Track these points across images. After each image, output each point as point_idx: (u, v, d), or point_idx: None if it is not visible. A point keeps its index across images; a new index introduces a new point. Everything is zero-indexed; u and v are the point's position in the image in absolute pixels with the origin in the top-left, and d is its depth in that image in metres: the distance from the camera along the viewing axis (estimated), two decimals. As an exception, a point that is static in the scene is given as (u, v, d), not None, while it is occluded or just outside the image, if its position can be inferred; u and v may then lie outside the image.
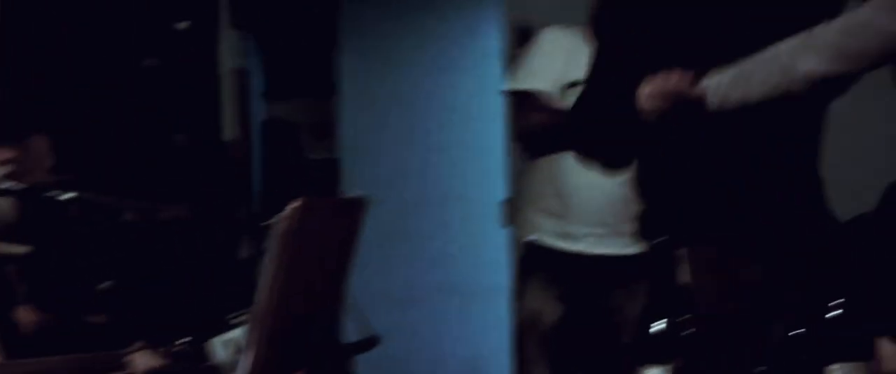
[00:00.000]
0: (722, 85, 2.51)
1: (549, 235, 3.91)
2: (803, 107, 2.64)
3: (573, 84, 3.84)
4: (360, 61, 6.57)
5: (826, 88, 2.52)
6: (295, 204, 2.69)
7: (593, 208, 3.84)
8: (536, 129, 3.88)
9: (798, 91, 2.45)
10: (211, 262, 5.17)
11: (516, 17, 4.70)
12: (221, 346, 2.76)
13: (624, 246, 3.87)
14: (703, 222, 2.76)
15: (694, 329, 2.81)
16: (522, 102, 3.89)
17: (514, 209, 4.60)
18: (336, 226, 3.09)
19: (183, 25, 5.23)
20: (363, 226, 3.13)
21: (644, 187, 2.89)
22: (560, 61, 3.83)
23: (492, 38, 5.87)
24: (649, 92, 2.58)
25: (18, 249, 3.71)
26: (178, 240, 5.10)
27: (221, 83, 5.39)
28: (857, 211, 2.84)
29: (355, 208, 3.21)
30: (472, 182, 6.57)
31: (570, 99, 3.82)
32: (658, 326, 3.05)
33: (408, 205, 6.55)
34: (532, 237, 3.96)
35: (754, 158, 2.73)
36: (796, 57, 2.39)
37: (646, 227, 2.91)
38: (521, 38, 4.65)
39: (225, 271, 5.23)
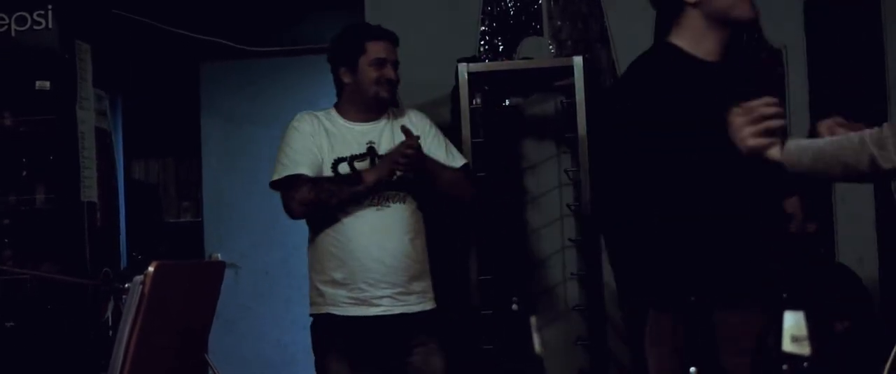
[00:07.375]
0: (801, 153, 2.55)
1: (343, 304, 3.90)
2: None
3: (340, 159, 3.90)
4: (222, 122, 6.52)
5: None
6: (149, 269, 2.68)
7: (381, 270, 3.86)
8: (307, 205, 3.92)
9: (867, 178, 2.60)
10: (72, 323, 5.07)
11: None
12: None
13: (418, 303, 3.93)
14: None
15: None
16: (288, 188, 3.94)
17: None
18: (192, 290, 3.07)
19: (43, 85, 5.15)
20: (219, 290, 3.11)
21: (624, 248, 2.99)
22: (315, 144, 3.92)
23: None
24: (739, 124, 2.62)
25: None
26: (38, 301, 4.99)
27: (83, 143, 5.31)
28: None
29: (212, 271, 3.20)
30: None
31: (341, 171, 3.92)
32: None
33: (273, 268, 6.49)
34: (325, 310, 3.94)
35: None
36: (880, 151, 2.41)
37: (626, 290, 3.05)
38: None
39: (85, 332, 5.13)
